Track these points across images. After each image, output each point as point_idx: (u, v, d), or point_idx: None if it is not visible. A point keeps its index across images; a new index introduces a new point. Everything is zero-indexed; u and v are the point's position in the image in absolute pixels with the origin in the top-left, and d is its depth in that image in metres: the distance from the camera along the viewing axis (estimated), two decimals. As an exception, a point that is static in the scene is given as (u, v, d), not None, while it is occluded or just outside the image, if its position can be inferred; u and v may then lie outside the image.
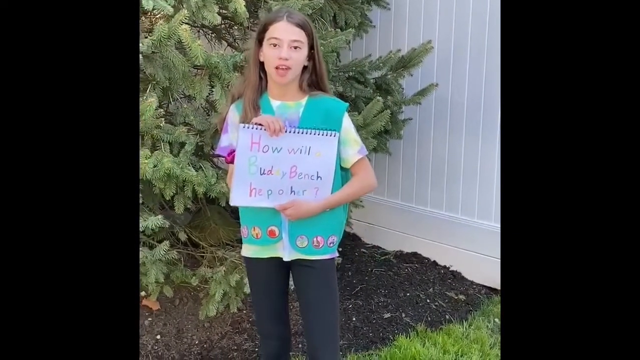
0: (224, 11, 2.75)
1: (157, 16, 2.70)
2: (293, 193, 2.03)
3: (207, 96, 2.62)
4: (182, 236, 3.07)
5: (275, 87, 2.05)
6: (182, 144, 2.57)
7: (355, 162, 2.09)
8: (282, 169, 2.01)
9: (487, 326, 3.27)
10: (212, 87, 2.59)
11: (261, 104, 2.06)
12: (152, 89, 2.52)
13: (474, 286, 3.71)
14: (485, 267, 3.65)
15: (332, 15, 3.36)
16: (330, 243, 2.12)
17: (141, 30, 2.51)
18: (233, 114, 2.09)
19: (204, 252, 3.16)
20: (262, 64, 2.03)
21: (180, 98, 2.85)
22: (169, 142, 2.56)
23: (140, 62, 2.35)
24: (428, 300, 3.52)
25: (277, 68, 1.97)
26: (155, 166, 2.45)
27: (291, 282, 2.25)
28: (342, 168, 2.10)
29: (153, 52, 2.43)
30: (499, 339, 3.05)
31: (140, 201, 2.56)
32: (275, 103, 2.06)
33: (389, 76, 3.51)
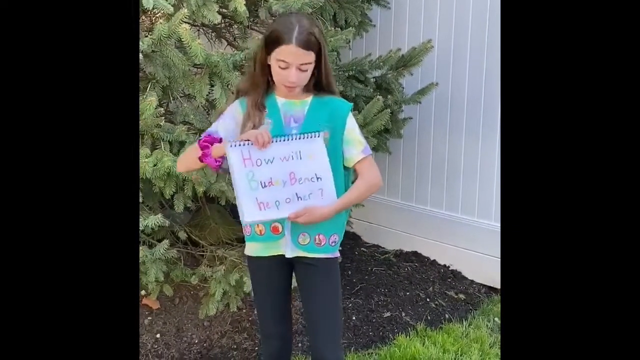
0: (224, 10, 2.75)
1: (157, 15, 2.71)
2: (300, 199, 2.03)
3: (207, 95, 2.61)
4: (182, 235, 3.07)
5: (282, 87, 2.06)
6: (182, 143, 2.58)
7: (358, 162, 2.10)
8: (281, 178, 2.01)
9: (487, 325, 3.27)
10: (212, 86, 2.59)
11: (267, 103, 2.07)
12: (152, 87, 2.52)
13: (474, 285, 3.71)
14: (485, 266, 3.65)
15: (332, 14, 3.35)
16: (332, 242, 2.12)
17: (141, 29, 2.51)
18: (236, 109, 2.09)
19: (203, 251, 3.16)
20: (269, 66, 2.03)
21: (180, 97, 2.85)
22: (169, 141, 2.56)
23: (140, 61, 2.35)
24: (428, 300, 3.52)
25: (284, 85, 2.00)
26: (155, 165, 2.45)
27: (291, 282, 2.25)
28: (345, 167, 2.11)
29: (153, 51, 2.43)
30: (499, 338, 3.04)
31: (140, 200, 2.56)
32: (280, 101, 2.07)
33: (389, 75, 3.51)
